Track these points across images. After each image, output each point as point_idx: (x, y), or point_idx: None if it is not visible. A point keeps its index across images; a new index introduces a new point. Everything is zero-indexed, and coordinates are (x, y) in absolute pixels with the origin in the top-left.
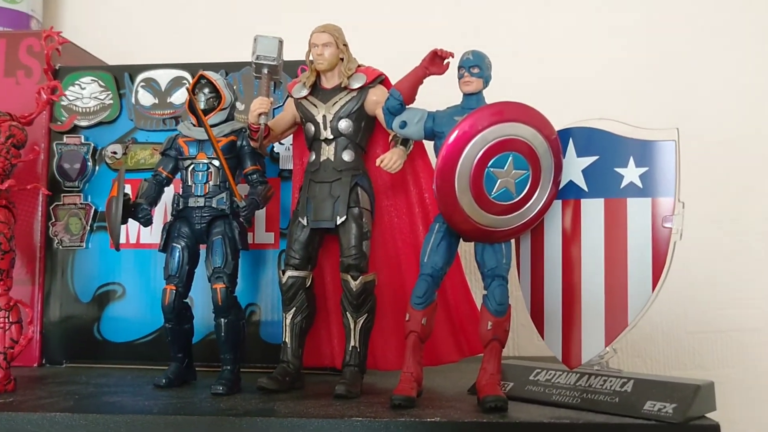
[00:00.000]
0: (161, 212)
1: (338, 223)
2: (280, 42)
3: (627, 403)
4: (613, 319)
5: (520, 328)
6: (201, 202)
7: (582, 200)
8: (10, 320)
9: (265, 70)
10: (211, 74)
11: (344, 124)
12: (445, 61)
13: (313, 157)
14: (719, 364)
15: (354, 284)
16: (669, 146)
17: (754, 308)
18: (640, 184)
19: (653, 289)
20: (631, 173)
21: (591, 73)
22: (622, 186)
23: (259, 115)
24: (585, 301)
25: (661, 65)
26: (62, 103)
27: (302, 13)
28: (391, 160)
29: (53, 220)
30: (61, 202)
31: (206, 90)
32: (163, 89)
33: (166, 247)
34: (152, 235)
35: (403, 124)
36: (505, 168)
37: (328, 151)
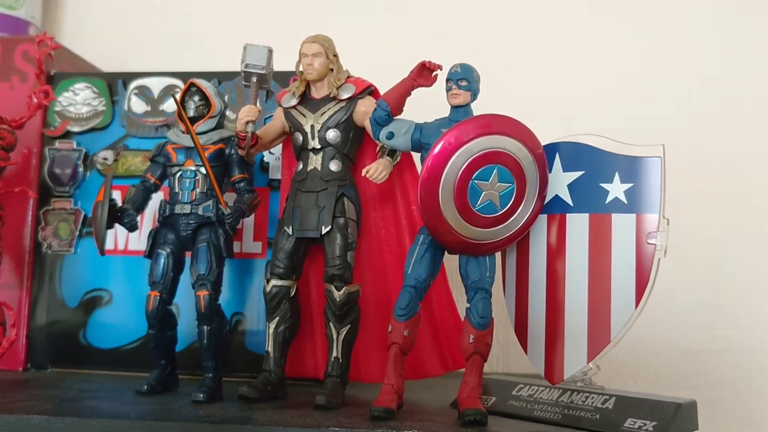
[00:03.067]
0: (151, 218)
1: (323, 232)
2: (270, 51)
3: (607, 420)
4: (596, 335)
5: (510, 344)
6: (187, 209)
7: (567, 215)
8: None
9: (254, 79)
10: (201, 82)
11: (332, 134)
12: (433, 74)
13: (301, 166)
14: (712, 385)
15: (338, 295)
16: (654, 162)
17: (747, 329)
18: (624, 200)
19: (636, 305)
20: (616, 189)
21: (584, 90)
22: (607, 201)
23: (247, 123)
24: (568, 316)
25: (654, 84)
26: (56, 108)
27: (297, 23)
28: (376, 170)
29: (43, 224)
30: (51, 207)
31: (196, 98)
32: (155, 97)
33: (151, 253)
34: (140, 241)
35: (390, 135)
36: (490, 180)
37: (315, 161)
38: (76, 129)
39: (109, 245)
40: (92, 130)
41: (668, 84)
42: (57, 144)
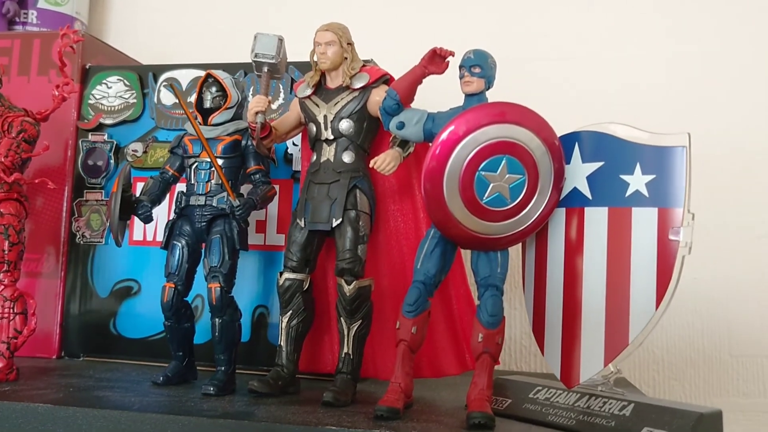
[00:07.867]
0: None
1: (334, 225)
2: (280, 40)
3: (623, 428)
4: (614, 337)
5: None
6: (202, 200)
7: (586, 209)
8: (15, 311)
9: (265, 68)
10: (218, 73)
11: (345, 125)
12: (445, 60)
13: (314, 157)
14: (765, 392)
15: (348, 289)
16: (679, 152)
17: None
18: (646, 193)
19: (657, 306)
20: (636, 181)
21: (604, 77)
22: (627, 194)
23: (256, 113)
24: (585, 316)
25: (686, 72)
26: (89, 101)
27: (330, 15)
28: (384, 161)
29: (76, 215)
30: (84, 198)
31: (213, 89)
32: (183, 89)
33: (167, 244)
34: None
35: (401, 125)
36: (498, 172)
37: (328, 152)
38: (108, 121)
39: (138, 236)
40: (124, 122)
41: (699, 71)
42: (90, 136)
